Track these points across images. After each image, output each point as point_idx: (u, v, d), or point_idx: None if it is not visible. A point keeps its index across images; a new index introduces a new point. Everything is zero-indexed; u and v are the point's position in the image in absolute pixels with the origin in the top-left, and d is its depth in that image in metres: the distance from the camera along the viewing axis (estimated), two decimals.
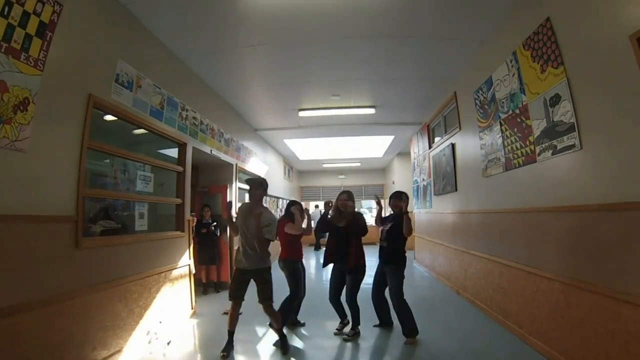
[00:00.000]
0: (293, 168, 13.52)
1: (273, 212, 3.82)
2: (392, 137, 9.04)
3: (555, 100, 2.82)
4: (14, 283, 2.11)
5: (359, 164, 13.56)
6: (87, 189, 2.88)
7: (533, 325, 3.15)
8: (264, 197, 3.53)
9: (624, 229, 2.13)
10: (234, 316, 3.29)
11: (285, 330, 3.52)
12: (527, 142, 3.26)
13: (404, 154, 10.95)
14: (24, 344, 2.14)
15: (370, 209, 19.25)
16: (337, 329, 3.77)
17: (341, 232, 3.68)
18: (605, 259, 2.29)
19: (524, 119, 3.32)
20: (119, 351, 3.00)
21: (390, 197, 3.80)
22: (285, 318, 3.60)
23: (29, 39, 2.19)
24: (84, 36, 2.73)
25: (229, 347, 3.27)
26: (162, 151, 4.39)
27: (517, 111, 3.42)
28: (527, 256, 3.25)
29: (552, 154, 2.88)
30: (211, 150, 5.30)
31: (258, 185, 3.40)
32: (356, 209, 3.89)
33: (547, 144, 2.96)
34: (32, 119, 2.22)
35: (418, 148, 8.16)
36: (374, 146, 10.30)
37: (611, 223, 2.24)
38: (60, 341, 2.41)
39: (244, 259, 3.25)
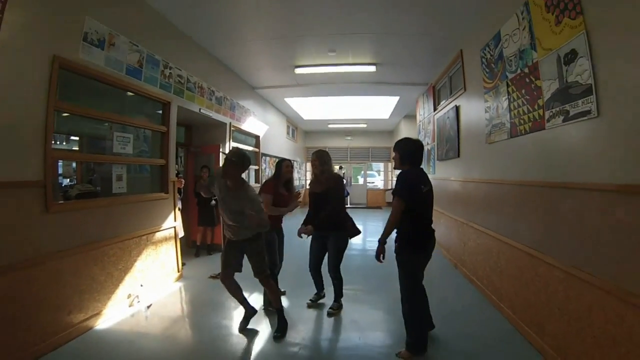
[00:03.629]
0: (298, 128, 13.13)
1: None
2: (397, 97, 8.49)
3: (571, 57, 2.33)
4: None
5: (365, 126, 13.08)
6: (56, 151, 2.91)
7: (527, 313, 2.87)
8: (242, 174, 2.92)
9: None
10: (231, 287, 3.03)
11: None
12: (536, 106, 2.81)
13: (411, 116, 10.37)
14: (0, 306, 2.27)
15: (378, 171, 18.92)
16: (310, 300, 3.60)
17: (319, 200, 3.37)
18: (618, 250, 1.89)
19: (533, 79, 2.85)
20: (97, 314, 3.07)
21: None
22: None
23: None
24: None
25: (249, 315, 3.09)
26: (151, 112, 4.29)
27: (526, 70, 2.94)
28: (529, 236, 2.88)
29: (563, 121, 2.44)
30: (200, 109, 5.13)
31: (231, 161, 2.78)
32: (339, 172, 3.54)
33: (558, 109, 2.51)
34: None
35: (424, 110, 7.61)
36: (380, 107, 9.82)
37: (630, 209, 1.81)
38: (34, 304, 2.49)
39: (228, 230, 2.96)
